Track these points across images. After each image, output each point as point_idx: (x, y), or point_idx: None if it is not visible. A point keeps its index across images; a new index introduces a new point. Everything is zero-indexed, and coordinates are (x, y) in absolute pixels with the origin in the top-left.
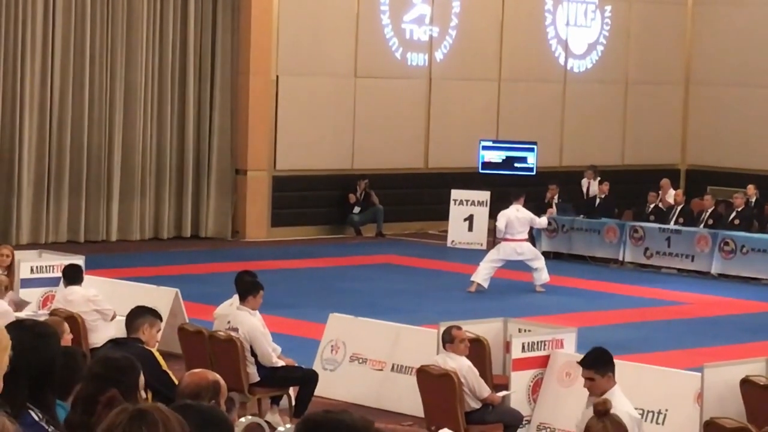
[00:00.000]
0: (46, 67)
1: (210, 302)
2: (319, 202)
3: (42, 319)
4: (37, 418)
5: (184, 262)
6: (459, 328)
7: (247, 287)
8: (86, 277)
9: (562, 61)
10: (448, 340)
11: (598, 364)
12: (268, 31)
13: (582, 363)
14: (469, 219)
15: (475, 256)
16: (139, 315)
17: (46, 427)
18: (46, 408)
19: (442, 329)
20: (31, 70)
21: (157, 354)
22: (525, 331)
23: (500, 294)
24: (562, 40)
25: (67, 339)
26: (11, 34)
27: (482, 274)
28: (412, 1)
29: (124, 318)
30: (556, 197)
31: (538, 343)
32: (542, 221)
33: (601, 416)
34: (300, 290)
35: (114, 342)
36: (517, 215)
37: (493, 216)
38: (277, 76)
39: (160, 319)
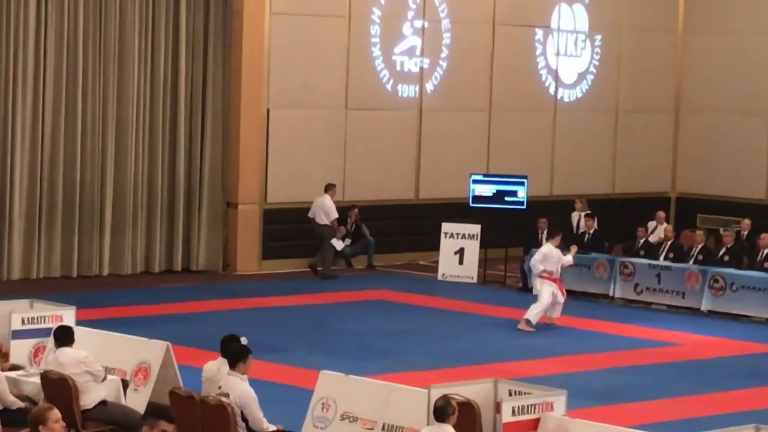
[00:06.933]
0: (37, 100)
1: (201, 346)
2: (310, 234)
3: (33, 379)
4: None
5: (176, 299)
6: (449, 402)
7: (236, 354)
8: (78, 329)
9: (552, 90)
10: (452, 412)
11: None
12: (260, 65)
13: None
14: (460, 252)
15: (465, 290)
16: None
17: None
18: None
19: (432, 392)
20: (23, 103)
21: None
22: (515, 393)
23: (490, 334)
24: (552, 69)
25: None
26: (2, 67)
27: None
28: (403, 32)
29: (116, 379)
30: (545, 231)
31: (528, 406)
32: (568, 259)
33: None
34: (290, 332)
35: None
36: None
37: (483, 246)
38: (269, 109)
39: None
